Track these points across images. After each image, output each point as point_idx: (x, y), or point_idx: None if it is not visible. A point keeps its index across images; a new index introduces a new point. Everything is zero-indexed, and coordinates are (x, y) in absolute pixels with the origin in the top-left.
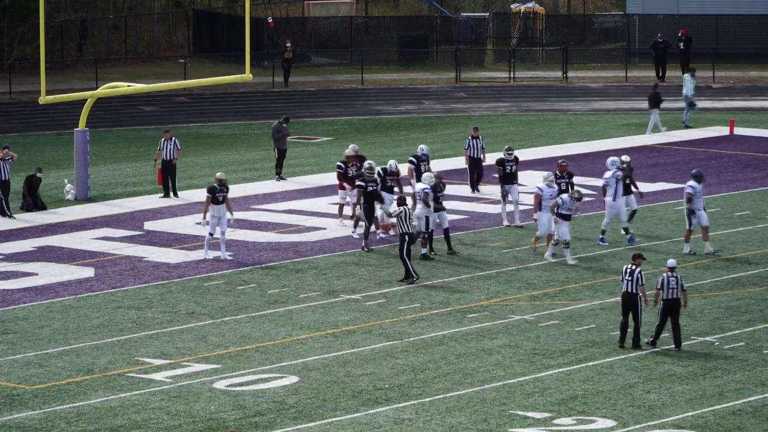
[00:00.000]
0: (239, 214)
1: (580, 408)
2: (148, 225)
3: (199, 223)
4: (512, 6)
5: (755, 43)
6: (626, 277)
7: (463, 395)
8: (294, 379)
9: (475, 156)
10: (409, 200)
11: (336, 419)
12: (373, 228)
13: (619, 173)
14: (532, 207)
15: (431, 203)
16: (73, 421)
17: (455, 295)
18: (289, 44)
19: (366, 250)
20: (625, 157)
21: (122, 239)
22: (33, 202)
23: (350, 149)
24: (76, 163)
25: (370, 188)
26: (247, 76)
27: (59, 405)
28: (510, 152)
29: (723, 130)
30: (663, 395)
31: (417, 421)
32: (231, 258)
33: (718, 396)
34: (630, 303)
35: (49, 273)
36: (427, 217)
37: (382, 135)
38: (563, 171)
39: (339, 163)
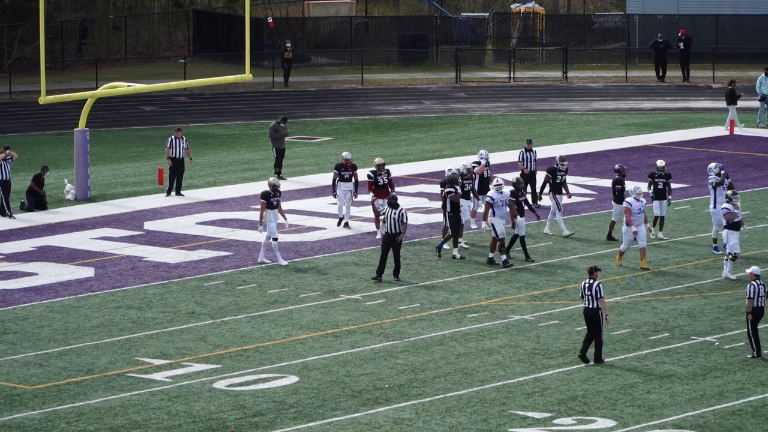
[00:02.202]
0: (239, 214)
1: (580, 408)
2: (148, 225)
3: (258, 230)
4: (512, 6)
5: (755, 43)
6: (585, 293)
7: (463, 395)
8: (294, 379)
9: (531, 169)
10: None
11: (336, 419)
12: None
13: (714, 179)
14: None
15: (499, 210)
16: (73, 421)
17: (455, 295)
18: (289, 44)
19: (460, 257)
20: (659, 162)
21: (122, 239)
22: (41, 199)
23: (345, 155)
24: (76, 163)
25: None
26: (247, 76)
27: (59, 405)
28: (564, 162)
29: (723, 130)
30: (663, 395)
31: (417, 421)
32: (286, 264)
33: (718, 396)
34: (592, 318)
35: (49, 273)
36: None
37: (382, 135)
38: (624, 175)
39: (369, 173)
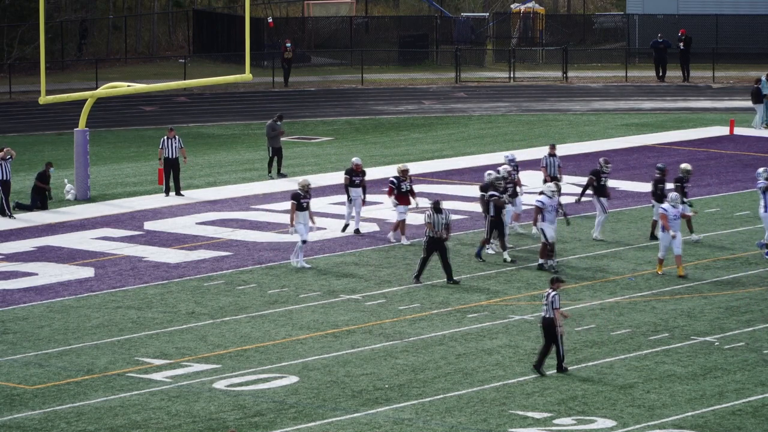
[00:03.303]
0: (239, 214)
1: (580, 408)
2: (148, 225)
3: (286, 231)
4: (512, 6)
5: (755, 43)
6: (544, 302)
7: (463, 395)
8: (294, 379)
9: (553, 174)
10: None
11: (336, 419)
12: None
13: (763, 183)
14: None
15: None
16: (73, 421)
17: (455, 295)
18: (289, 44)
19: (482, 260)
20: (684, 165)
21: (122, 239)
22: (47, 194)
23: (355, 161)
24: (76, 163)
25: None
26: (247, 76)
27: (59, 405)
28: (608, 164)
29: (723, 130)
30: (663, 395)
31: (417, 421)
32: (309, 266)
33: (718, 396)
34: (548, 328)
35: (49, 273)
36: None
37: (382, 135)
38: (666, 174)
39: (392, 179)
